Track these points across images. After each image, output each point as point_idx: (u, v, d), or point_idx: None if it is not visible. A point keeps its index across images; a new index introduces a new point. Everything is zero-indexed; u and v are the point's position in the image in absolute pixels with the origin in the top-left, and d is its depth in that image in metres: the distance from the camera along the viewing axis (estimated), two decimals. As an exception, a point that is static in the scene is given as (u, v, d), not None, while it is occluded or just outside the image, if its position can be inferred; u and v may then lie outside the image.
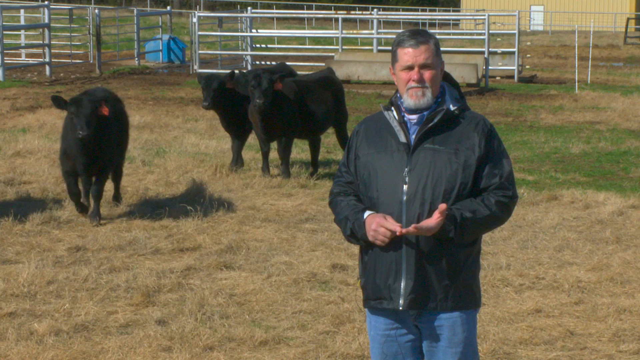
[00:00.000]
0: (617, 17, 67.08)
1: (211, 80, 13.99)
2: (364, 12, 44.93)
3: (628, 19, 54.66)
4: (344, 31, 32.23)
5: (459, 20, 61.67)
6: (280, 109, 13.57)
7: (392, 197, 4.82)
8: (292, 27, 55.19)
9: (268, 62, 31.69)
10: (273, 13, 49.25)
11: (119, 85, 26.89)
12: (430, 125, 4.84)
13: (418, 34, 4.89)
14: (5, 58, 28.12)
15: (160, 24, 37.84)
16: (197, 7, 64.87)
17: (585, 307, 8.39)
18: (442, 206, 4.70)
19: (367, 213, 4.83)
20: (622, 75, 32.24)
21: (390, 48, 4.99)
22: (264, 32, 36.18)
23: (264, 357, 7.26)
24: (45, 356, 7.16)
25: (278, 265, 9.51)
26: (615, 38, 54.57)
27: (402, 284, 4.84)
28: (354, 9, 60.23)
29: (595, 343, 7.63)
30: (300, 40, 41.80)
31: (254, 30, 34.61)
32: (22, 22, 36.33)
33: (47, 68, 29.46)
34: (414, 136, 4.86)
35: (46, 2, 30.31)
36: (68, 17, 36.21)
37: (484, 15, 31.86)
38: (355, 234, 4.87)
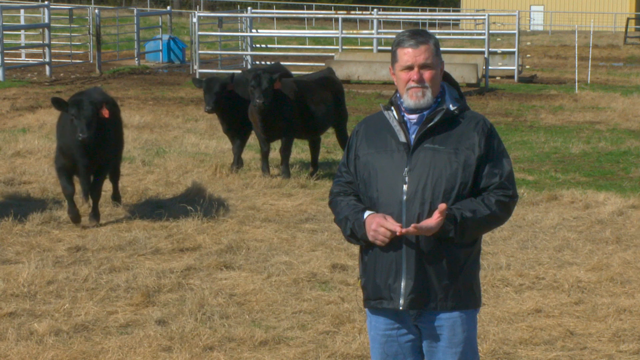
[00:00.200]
0: (617, 17, 67.08)
1: (212, 83, 13.94)
2: (364, 12, 44.93)
3: (628, 19, 54.66)
4: (344, 31, 32.23)
5: (459, 20, 61.66)
6: (280, 109, 13.57)
7: (392, 197, 4.82)
8: (292, 27, 55.19)
9: (268, 62, 31.72)
10: (273, 13, 49.25)
11: (119, 85, 26.90)
12: (430, 125, 4.84)
13: (418, 34, 4.89)
14: (5, 58, 28.13)
15: (160, 24, 37.85)
16: (197, 7, 64.87)
17: (585, 307, 8.39)
18: (442, 206, 4.70)
19: (367, 213, 4.83)
20: (622, 75, 32.24)
21: (390, 48, 4.99)
22: (264, 32, 36.18)
23: (264, 357, 7.26)
24: (45, 356, 7.16)
25: (278, 265, 9.51)
26: (615, 38, 54.57)
27: (402, 284, 4.84)
28: (354, 9, 60.23)
29: (595, 343, 7.63)
30: (300, 40, 41.80)
31: (254, 30, 34.62)
32: (22, 22, 36.34)
33: (47, 68, 29.47)
34: (413, 136, 4.87)
35: (46, 2, 30.32)
36: (68, 17, 36.22)
37: (484, 15, 31.86)
38: (355, 234, 4.87)
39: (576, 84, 26.92)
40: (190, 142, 16.70)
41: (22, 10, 37.19)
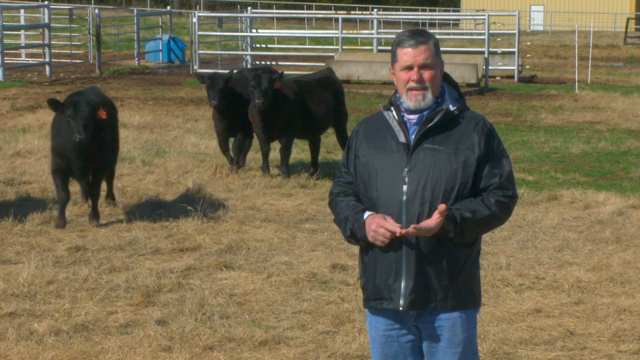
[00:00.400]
0: (617, 17, 67.08)
1: (216, 79, 13.92)
2: (364, 12, 44.93)
3: (628, 19, 54.66)
4: (344, 31, 32.23)
5: (459, 20, 61.66)
6: (281, 109, 13.57)
7: (391, 197, 4.82)
8: (292, 27, 55.19)
9: (268, 62, 31.72)
10: (273, 13, 49.26)
11: (119, 85, 26.90)
12: (429, 125, 4.84)
13: (418, 34, 4.89)
14: (5, 58, 28.13)
15: (160, 24, 37.85)
16: (197, 7, 64.87)
17: (585, 307, 8.39)
18: (442, 206, 4.70)
19: (366, 213, 4.83)
20: (622, 75, 32.24)
21: (390, 48, 4.99)
22: (264, 32, 36.18)
23: (264, 357, 7.26)
24: (45, 356, 7.16)
25: (278, 265, 9.51)
26: (615, 38, 54.57)
27: (402, 285, 4.84)
28: (354, 9, 60.23)
29: (595, 343, 7.63)
30: (300, 40, 41.80)
31: (254, 30, 34.62)
32: (22, 22, 36.34)
33: (47, 68, 29.47)
34: (413, 136, 4.86)
35: (46, 2, 30.32)
36: (68, 17, 36.23)
37: (484, 15, 31.86)
38: (355, 234, 4.87)
39: (576, 84, 26.92)
40: (190, 142, 16.70)
41: (22, 10, 37.19)
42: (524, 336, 7.67)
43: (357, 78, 26.97)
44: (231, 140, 14.57)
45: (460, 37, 44.99)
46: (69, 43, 35.75)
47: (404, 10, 61.40)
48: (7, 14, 38.87)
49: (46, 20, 30.48)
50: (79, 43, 37.54)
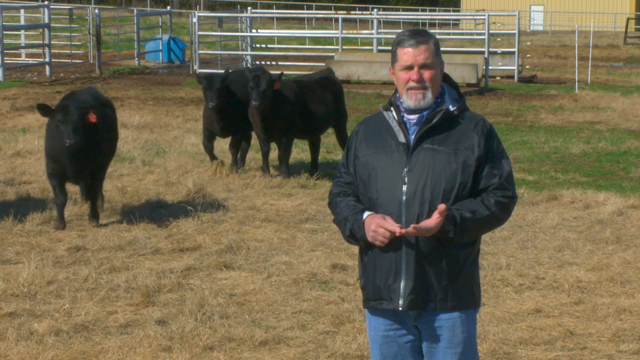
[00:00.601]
0: (617, 17, 67.08)
1: (214, 79, 13.88)
2: (364, 12, 44.93)
3: (628, 19, 54.66)
4: (344, 31, 32.23)
5: (459, 20, 61.66)
6: (280, 110, 13.58)
7: (391, 197, 4.82)
8: (292, 27, 55.19)
9: (268, 62, 31.72)
10: (273, 13, 49.26)
11: (119, 85, 26.90)
12: (429, 125, 4.84)
13: (418, 33, 4.89)
14: (5, 58, 28.13)
15: (160, 24, 37.85)
16: (197, 7, 64.87)
17: (585, 307, 8.39)
18: (442, 206, 4.70)
19: (366, 213, 4.83)
20: (622, 75, 32.24)
21: (390, 48, 4.99)
22: (264, 32, 36.19)
23: (264, 357, 7.26)
24: (45, 356, 7.16)
25: (278, 265, 9.51)
26: (615, 38, 54.57)
27: (402, 285, 4.84)
28: (354, 9, 60.23)
29: (595, 343, 7.63)
30: (300, 40, 41.80)
31: (254, 30, 34.62)
32: (22, 22, 36.34)
33: (47, 68, 29.47)
34: (413, 136, 4.86)
35: (46, 2, 30.32)
36: (68, 17, 36.23)
37: (484, 15, 31.86)
38: (354, 234, 4.87)
39: (576, 84, 26.92)
40: (190, 142, 16.70)
41: (22, 10, 37.19)
42: (524, 336, 7.67)
43: (357, 78, 26.97)
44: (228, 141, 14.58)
45: (460, 37, 44.98)
46: (69, 43, 35.75)
47: (404, 10, 61.40)
48: (7, 14, 38.87)
49: (46, 20, 30.48)
50: (79, 43, 37.54)
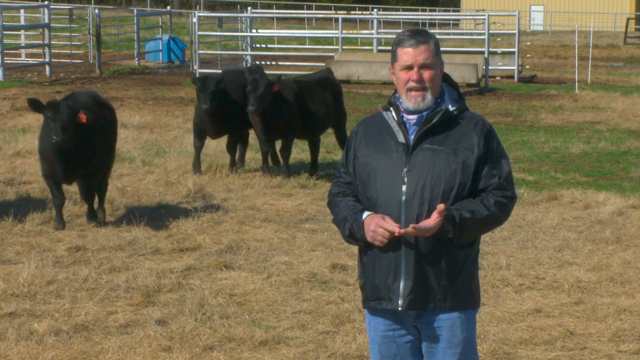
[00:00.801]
0: (617, 17, 67.08)
1: (208, 81, 13.80)
2: (364, 12, 44.93)
3: (628, 19, 54.66)
4: (344, 31, 32.23)
5: (459, 20, 61.67)
6: (280, 110, 13.57)
7: (391, 197, 4.81)
8: (292, 27, 55.20)
9: (268, 62, 31.73)
10: (273, 13, 49.26)
11: (119, 85, 26.91)
12: (429, 125, 4.84)
13: (418, 33, 4.89)
14: (5, 58, 28.13)
15: (160, 24, 37.86)
16: (197, 7, 64.87)
17: (585, 307, 8.39)
18: (441, 206, 4.70)
19: (365, 213, 4.83)
20: (622, 75, 32.24)
21: (390, 48, 4.99)
22: (264, 32, 36.18)
23: (264, 357, 7.26)
24: (45, 356, 7.16)
25: (278, 265, 9.51)
26: (615, 38, 54.57)
27: (401, 285, 4.83)
28: (354, 9, 60.24)
29: (595, 343, 7.63)
30: (300, 40, 41.80)
31: (254, 30, 34.62)
32: (22, 22, 36.34)
33: (47, 68, 29.47)
34: (412, 136, 4.86)
35: (46, 2, 30.32)
36: (68, 17, 36.23)
37: (484, 15, 31.86)
38: (354, 234, 4.86)
39: (576, 84, 26.92)
40: (190, 142, 16.65)
41: (22, 10, 37.19)
42: (524, 336, 7.67)
43: (357, 78, 26.97)
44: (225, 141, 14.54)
45: (460, 37, 44.99)
46: (69, 43, 35.75)
47: (404, 10, 61.40)
48: (7, 14, 38.87)
49: (46, 20, 30.48)
50: (79, 43, 37.54)
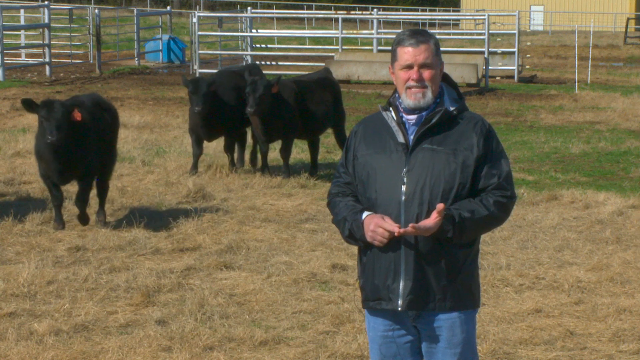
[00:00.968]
0: (617, 17, 67.09)
1: (200, 83, 13.71)
2: (364, 12, 44.95)
3: (628, 19, 54.66)
4: (344, 31, 32.23)
5: (459, 20, 61.67)
6: (280, 111, 13.57)
7: (390, 197, 4.81)
8: (292, 27, 55.19)
9: (268, 62, 31.74)
10: (273, 13, 49.26)
11: (119, 85, 26.91)
12: (428, 125, 4.84)
13: (418, 33, 4.89)
14: (5, 58, 28.14)
15: (160, 24, 37.87)
16: (197, 7, 64.87)
17: (585, 307, 8.39)
18: (440, 206, 4.70)
19: (365, 213, 4.82)
20: (622, 75, 32.24)
21: (390, 48, 4.99)
22: (264, 32, 36.19)
23: (264, 357, 7.26)
24: (45, 356, 7.16)
25: (278, 265, 9.51)
26: (615, 38, 54.57)
27: (401, 285, 4.83)
28: (354, 9, 60.24)
29: (595, 343, 7.63)
30: (300, 40, 41.81)
31: (254, 30, 34.62)
32: (22, 22, 36.34)
33: (47, 68, 29.47)
34: (412, 136, 4.86)
35: (46, 2, 30.33)
36: (68, 17, 36.24)
37: (484, 15, 31.86)
38: (353, 234, 4.86)
39: (576, 84, 26.92)
40: (190, 142, 16.67)
41: (22, 10, 37.20)
42: (524, 336, 7.67)
43: (357, 78, 26.97)
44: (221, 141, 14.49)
45: (460, 37, 44.99)
46: (69, 43, 35.75)
47: (404, 10, 61.40)
48: (7, 14, 38.87)
49: (46, 20, 30.49)
50: (79, 43, 37.55)
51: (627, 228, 11.25)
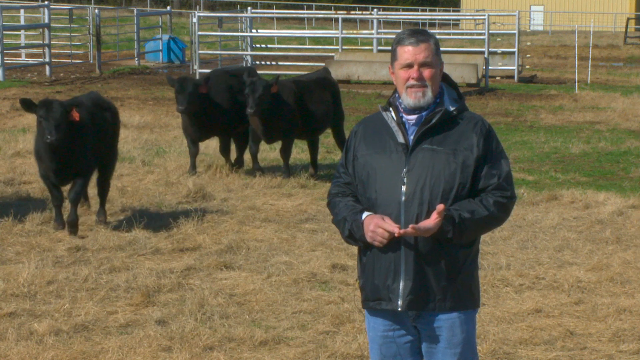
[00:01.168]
0: (617, 17, 67.09)
1: (185, 83, 13.59)
2: (364, 12, 44.95)
3: (628, 19, 54.66)
4: (344, 31, 32.23)
5: (459, 20, 61.67)
6: (280, 111, 13.56)
7: (390, 197, 4.81)
8: (292, 27, 55.20)
9: (268, 62, 31.74)
10: (273, 13, 49.27)
11: (119, 85, 26.91)
12: (428, 125, 4.84)
13: (418, 32, 4.89)
14: (5, 58, 28.13)
15: (160, 24, 37.87)
16: (197, 7, 64.87)
17: (585, 307, 8.39)
18: (440, 206, 4.70)
19: (365, 214, 4.82)
20: (622, 75, 32.24)
21: (390, 48, 4.99)
22: (264, 32, 36.19)
23: (264, 357, 7.26)
24: (45, 356, 7.16)
25: (278, 265, 9.51)
26: (615, 38, 54.57)
27: (401, 285, 4.83)
28: (354, 9, 60.24)
29: (595, 343, 7.63)
30: (300, 40, 41.81)
31: (254, 30, 34.62)
32: (22, 22, 36.34)
33: (47, 68, 29.47)
34: (412, 137, 4.86)
35: (46, 2, 30.32)
36: (68, 17, 36.24)
37: (484, 15, 31.87)
38: (353, 234, 4.86)
39: (576, 84, 26.92)
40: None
41: (22, 10, 37.19)
42: (524, 336, 7.67)
43: (357, 78, 26.97)
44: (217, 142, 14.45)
45: (460, 37, 44.99)
46: (69, 43, 35.75)
47: (404, 10, 61.41)
48: (7, 14, 38.86)
49: (46, 20, 30.48)
50: (79, 43, 37.55)
51: (627, 228, 11.25)
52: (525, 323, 7.99)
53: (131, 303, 8.38)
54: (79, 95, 12.28)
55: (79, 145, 10.64)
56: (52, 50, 30.71)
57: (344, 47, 33.90)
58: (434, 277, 4.83)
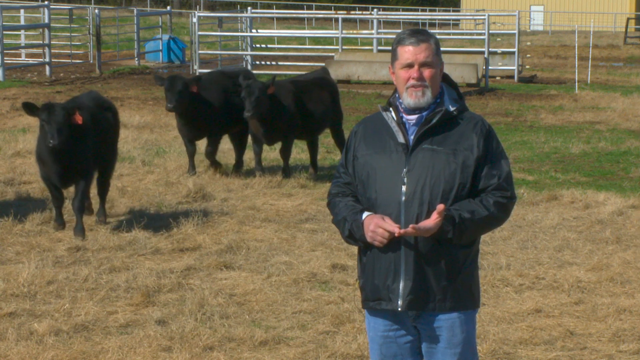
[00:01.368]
0: (617, 17, 67.09)
1: (175, 81, 13.55)
2: (364, 12, 44.95)
3: (628, 19, 54.66)
4: (344, 31, 32.23)
5: (459, 20, 61.68)
6: (279, 112, 13.55)
7: (390, 197, 4.81)
8: (292, 27, 55.19)
9: (268, 62, 31.73)
10: (273, 13, 49.27)
11: (119, 85, 26.91)
12: (428, 125, 4.84)
13: (419, 32, 4.89)
14: (5, 58, 28.13)
15: (160, 24, 37.87)
16: (197, 7, 64.87)
17: (585, 307, 8.39)
18: (440, 207, 4.70)
19: (365, 214, 4.82)
20: (622, 75, 32.24)
21: (390, 48, 4.99)
22: (264, 32, 36.19)
23: (264, 357, 7.26)
24: (45, 356, 7.16)
25: (278, 265, 9.51)
26: (615, 38, 54.57)
27: (401, 285, 4.83)
28: (354, 9, 60.24)
29: (595, 343, 7.63)
30: (300, 40, 41.81)
31: (254, 30, 34.62)
32: (22, 22, 36.34)
33: (47, 68, 29.47)
34: (412, 137, 4.86)
35: (46, 2, 30.32)
36: (68, 17, 36.24)
37: (484, 15, 31.87)
38: (353, 234, 4.86)
39: (576, 84, 26.92)
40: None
41: (22, 10, 37.19)
42: (524, 336, 7.67)
43: (357, 78, 26.97)
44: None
45: (460, 37, 44.99)
46: (69, 43, 35.75)
47: (404, 10, 61.41)
48: (7, 14, 38.87)
49: (46, 20, 30.48)
50: (79, 43, 37.54)
51: (627, 228, 11.25)
52: (525, 323, 7.99)
53: (131, 303, 8.38)
54: (79, 94, 12.24)
55: (81, 148, 10.63)
56: (52, 50, 30.71)
57: (344, 47, 33.90)
58: (434, 277, 4.83)
